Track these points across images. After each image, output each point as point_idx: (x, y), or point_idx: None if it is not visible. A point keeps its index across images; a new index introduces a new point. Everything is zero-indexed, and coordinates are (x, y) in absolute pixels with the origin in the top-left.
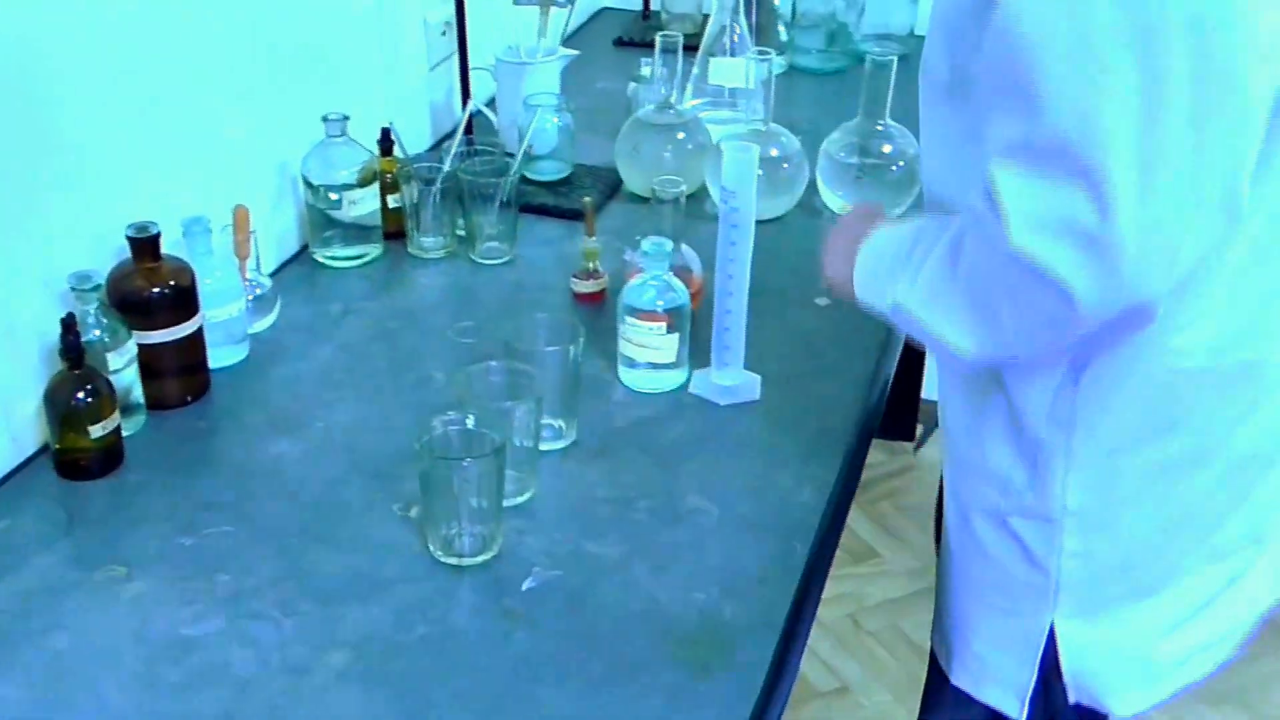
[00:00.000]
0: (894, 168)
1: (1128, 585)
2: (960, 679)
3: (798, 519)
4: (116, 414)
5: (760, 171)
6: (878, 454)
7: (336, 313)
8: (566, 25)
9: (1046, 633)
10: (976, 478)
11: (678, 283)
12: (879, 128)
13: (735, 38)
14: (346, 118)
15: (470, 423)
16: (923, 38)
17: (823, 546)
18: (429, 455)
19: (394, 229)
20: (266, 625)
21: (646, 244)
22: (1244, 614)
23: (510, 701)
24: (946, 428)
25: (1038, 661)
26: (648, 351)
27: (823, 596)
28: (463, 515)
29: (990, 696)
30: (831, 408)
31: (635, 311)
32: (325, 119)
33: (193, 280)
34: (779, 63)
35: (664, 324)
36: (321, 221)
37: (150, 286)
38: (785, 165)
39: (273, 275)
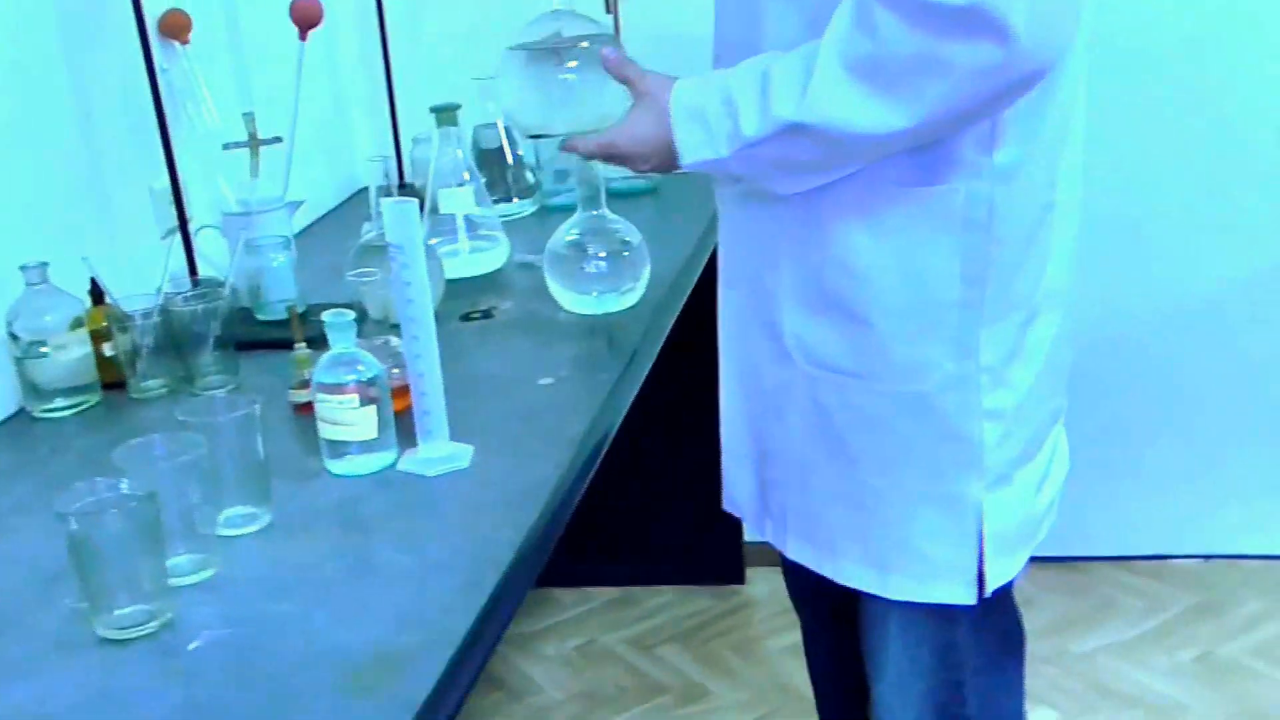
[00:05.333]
0: (624, 253)
1: (1024, 444)
2: (903, 588)
3: (492, 554)
4: None
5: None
6: (705, 599)
7: (45, 454)
8: (289, 167)
9: (978, 506)
10: (882, 371)
11: (368, 356)
12: (595, 215)
13: (465, 173)
14: (45, 264)
15: (125, 486)
16: None
17: (518, 567)
18: (75, 519)
19: (111, 380)
20: None
21: (327, 316)
22: (1063, 465)
23: None
24: (810, 343)
25: (978, 537)
26: (344, 429)
27: None
28: (119, 582)
29: (939, 593)
30: (541, 462)
31: (325, 387)
32: (23, 268)
33: None
34: (528, 204)
35: (355, 397)
36: (34, 374)
37: None
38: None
39: None
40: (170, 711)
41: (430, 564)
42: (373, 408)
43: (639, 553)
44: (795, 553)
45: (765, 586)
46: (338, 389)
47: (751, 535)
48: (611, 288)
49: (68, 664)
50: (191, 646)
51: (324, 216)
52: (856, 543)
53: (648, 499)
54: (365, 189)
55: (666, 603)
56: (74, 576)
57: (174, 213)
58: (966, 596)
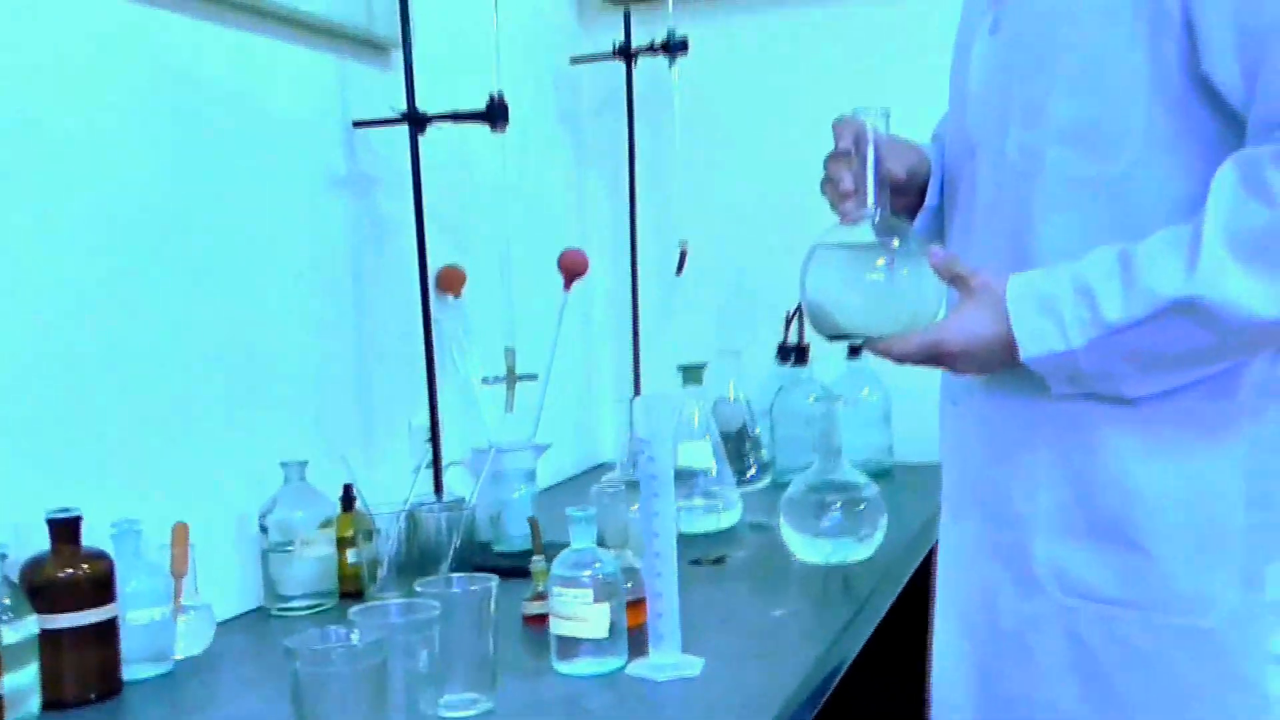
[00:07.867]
0: (860, 504)
1: None
2: None
3: None
4: None
5: None
6: None
7: (276, 642)
8: (540, 410)
9: None
10: (1161, 602)
11: (606, 554)
12: (833, 468)
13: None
14: (305, 463)
15: (355, 637)
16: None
17: None
18: (299, 657)
19: (349, 590)
20: None
21: (571, 511)
22: None
23: None
24: (1071, 571)
25: None
26: (576, 625)
27: None
28: None
29: None
30: (772, 678)
31: (562, 580)
32: (284, 464)
33: (110, 571)
34: (764, 479)
35: (590, 592)
36: (278, 571)
37: (60, 570)
38: None
39: (225, 623)
40: None
41: None
42: (606, 606)
43: None
44: None
45: None
46: (573, 583)
47: None
48: (847, 536)
49: None
50: None
51: (564, 481)
52: None
53: None
54: (605, 464)
55: None
56: None
57: (429, 448)
58: None
